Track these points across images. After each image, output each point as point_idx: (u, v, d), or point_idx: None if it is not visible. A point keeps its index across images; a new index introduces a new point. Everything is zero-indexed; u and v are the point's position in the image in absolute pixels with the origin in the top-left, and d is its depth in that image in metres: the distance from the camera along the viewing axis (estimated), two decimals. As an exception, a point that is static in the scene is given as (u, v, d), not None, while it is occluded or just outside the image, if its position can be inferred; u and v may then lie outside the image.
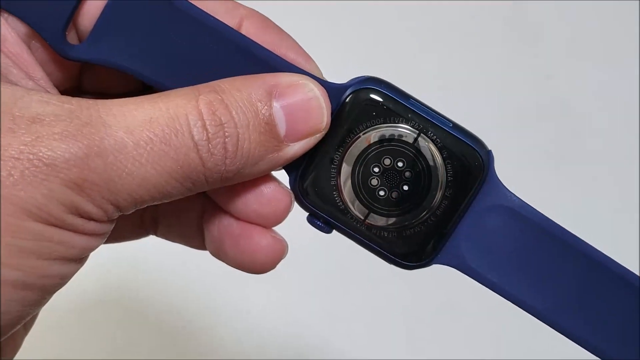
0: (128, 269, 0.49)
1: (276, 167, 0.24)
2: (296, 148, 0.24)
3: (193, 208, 0.28)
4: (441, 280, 0.52)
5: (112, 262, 0.47)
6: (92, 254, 0.24)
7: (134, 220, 0.29)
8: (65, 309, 0.48)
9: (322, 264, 0.51)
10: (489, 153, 0.25)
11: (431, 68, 0.55)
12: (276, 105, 0.23)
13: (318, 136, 0.24)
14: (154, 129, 0.22)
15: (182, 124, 0.22)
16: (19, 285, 0.21)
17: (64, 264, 0.22)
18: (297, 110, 0.23)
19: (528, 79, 0.56)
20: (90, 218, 0.22)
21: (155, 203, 0.23)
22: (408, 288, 0.50)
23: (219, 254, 0.27)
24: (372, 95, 0.25)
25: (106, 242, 0.28)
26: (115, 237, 0.28)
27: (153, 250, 0.41)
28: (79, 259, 0.23)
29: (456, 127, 0.25)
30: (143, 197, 0.22)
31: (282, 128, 0.23)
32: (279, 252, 0.26)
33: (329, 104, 0.24)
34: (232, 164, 0.23)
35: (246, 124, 0.22)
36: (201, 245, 0.28)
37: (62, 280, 0.22)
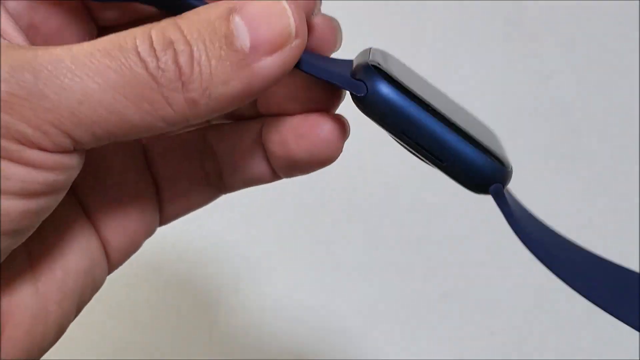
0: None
1: (256, 87, 0.22)
2: (269, 62, 0.22)
3: (247, 132, 0.27)
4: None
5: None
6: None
7: (197, 176, 0.28)
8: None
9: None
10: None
11: (431, 68, 0.55)
12: (236, 18, 0.21)
13: (293, 46, 0.22)
14: (97, 46, 0.20)
15: (127, 42, 0.21)
16: None
17: (16, 199, 0.20)
18: (258, 17, 0.22)
19: (528, 79, 0.56)
20: (32, 145, 0.20)
21: (119, 134, 0.21)
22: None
23: (289, 161, 0.26)
24: None
25: (176, 215, 0.28)
26: (183, 205, 0.28)
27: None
28: (32, 195, 0.21)
29: None
30: (92, 119, 0.20)
31: (244, 39, 0.21)
32: (342, 127, 0.25)
33: (302, 12, 0.22)
34: (192, 82, 0.21)
35: (201, 40, 0.21)
36: (270, 173, 0.27)
37: (25, 220, 0.21)
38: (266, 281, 0.50)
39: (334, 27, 0.26)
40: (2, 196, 0.20)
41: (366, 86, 0.24)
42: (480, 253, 0.52)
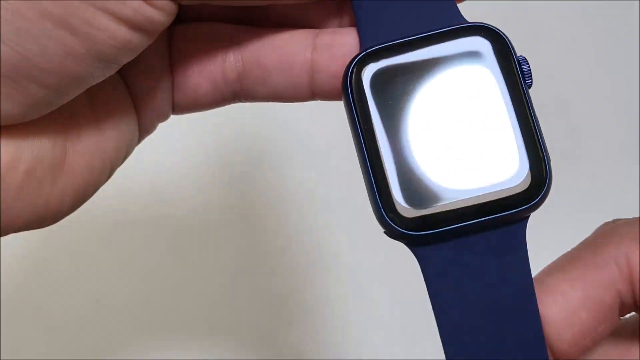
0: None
1: None
2: None
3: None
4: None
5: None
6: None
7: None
8: (64, 309, 0.48)
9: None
10: None
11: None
12: None
13: None
14: None
15: None
16: (58, 22, 0.20)
17: (112, 20, 0.20)
18: None
19: (528, 79, 0.56)
20: None
21: None
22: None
23: (321, 78, 0.25)
24: None
25: (185, 107, 0.27)
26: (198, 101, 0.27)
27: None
28: (132, 25, 0.21)
29: None
30: None
31: None
32: None
33: None
34: None
35: None
36: (306, 90, 0.26)
37: (112, 40, 0.21)
38: (266, 281, 0.50)
39: None
40: (113, 19, 0.20)
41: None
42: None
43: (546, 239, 0.53)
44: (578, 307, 0.24)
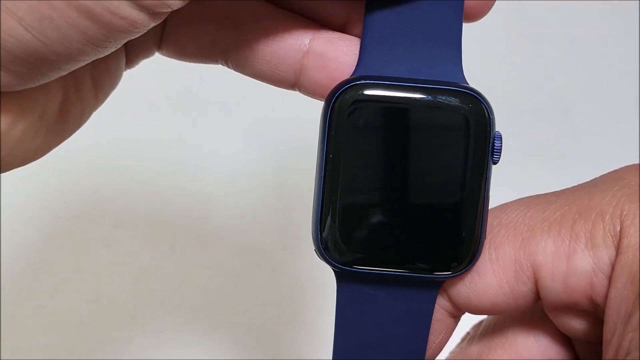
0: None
1: None
2: None
3: None
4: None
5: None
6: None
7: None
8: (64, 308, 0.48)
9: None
10: None
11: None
12: None
13: None
14: None
15: None
16: (84, 11, 0.20)
17: (134, 7, 0.21)
18: None
19: (528, 79, 0.56)
20: None
21: None
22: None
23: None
24: None
25: (174, 55, 0.27)
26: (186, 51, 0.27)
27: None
28: (151, 12, 0.21)
29: None
30: None
31: None
32: None
33: None
34: None
35: None
36: (291, 84, 0.26)
37: (130, 27, 0.21)
38: (266, 281, 0.50)
39: None
40: (136, 7, 0.20)
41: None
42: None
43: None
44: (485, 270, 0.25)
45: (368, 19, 0.24)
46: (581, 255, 0.24)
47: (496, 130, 0.24)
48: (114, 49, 0.22)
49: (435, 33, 0.24)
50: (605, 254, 0.23)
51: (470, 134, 0.23)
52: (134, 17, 0.21)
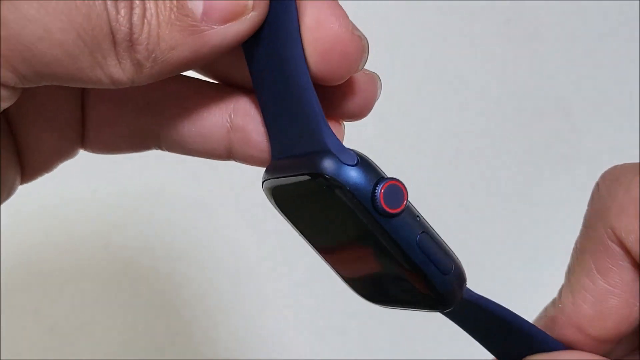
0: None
1: (202, 56, 0.21)
2: (221, 32, 0.21)
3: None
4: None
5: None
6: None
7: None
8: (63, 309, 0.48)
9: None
10: None
11: (431, 68, 0.55)
12: None
13: (248, 18, 0.21)
14: None
15: None
16: None
17: None
18: None
19: (528, 79, 0.56)
20: None
21: (62, 79, 0.20)
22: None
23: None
24: None
25: (102, 152, 0.26)
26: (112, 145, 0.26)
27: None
28: None
29: None
30: (46, 59, 0.19)
31: (197, 5, 0.20)
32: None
33: None
34: (139, 44, 0.20)
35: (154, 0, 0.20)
36: (225, 156, 0.26)
37: None
38: (266, 281, 0.50)
39: (375, 85, 0.24)
40: None
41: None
42: (481, 255, 0.52)
43: (547, 239, 0.53)
44: (605, 296, 0.24)
45: (257, 95, 0.24)
46: None
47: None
48: None
49: (300, 111, 0.23)
50: None
51: (343, 202, 0.21)
52: None
